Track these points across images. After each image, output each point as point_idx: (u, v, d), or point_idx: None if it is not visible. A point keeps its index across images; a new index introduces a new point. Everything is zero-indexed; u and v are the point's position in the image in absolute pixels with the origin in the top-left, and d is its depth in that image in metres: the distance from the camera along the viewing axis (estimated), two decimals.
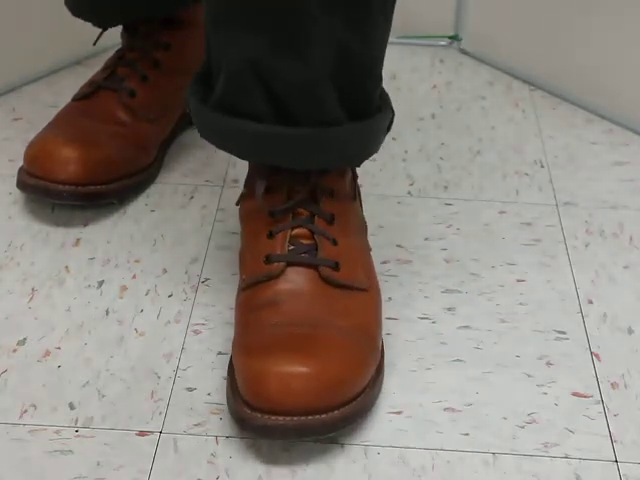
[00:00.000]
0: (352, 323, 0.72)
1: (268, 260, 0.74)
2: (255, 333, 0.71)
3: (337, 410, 0.68)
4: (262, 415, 0.67)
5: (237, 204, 0.81)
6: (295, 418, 0.66)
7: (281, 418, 0.66)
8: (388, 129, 0.79)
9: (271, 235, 0.75)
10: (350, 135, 0.74)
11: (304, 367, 0.67)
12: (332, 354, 0.69)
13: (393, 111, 0.79)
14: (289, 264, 0.74)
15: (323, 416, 0.67)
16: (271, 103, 0.72)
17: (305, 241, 0.75)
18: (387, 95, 0.79)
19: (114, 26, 1.00)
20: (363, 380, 0.70)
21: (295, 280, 0.73)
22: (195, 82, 0.78)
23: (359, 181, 0.99)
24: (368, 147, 0.77)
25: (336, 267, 0.74)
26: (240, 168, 1.00)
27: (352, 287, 0.75)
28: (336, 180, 0.78)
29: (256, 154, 0.75)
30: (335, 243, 0.75)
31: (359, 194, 0.83)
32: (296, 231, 0.75)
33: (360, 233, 0.80)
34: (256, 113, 0.72)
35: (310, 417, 0.67)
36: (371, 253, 0.81)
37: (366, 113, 0.75)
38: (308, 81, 0.71)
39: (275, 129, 0.72)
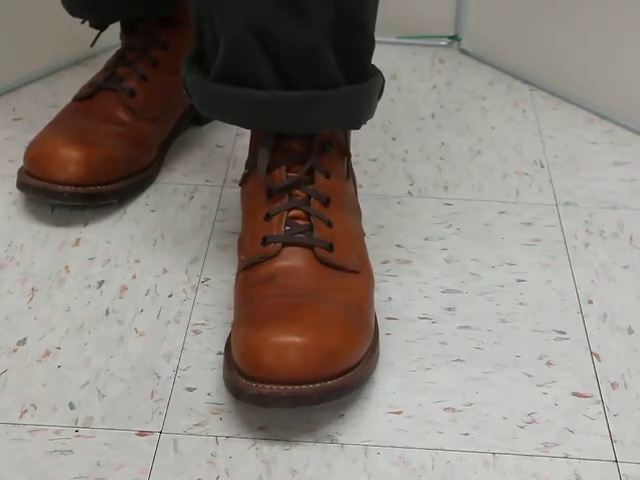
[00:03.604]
0: (346, 299, 0.74)
1: (265, 241, 0.76)
2: (252, 305, 0.73)
3: (330, 380, 0.69)
4: (257, 384, 0.68)
5: (240, 184, 0.83)
6: (289, 387, 0.68)
7: (275, 387, 0.68)
8: (380, 95, 0.81)
9: (268, 217, 0.77)
10: (348, 98, 0.77)
11: (298, 337, 0.68)
12: (326, 325, 0.70)
13: (383, 77, 0.81)
14: (285, 244, 0.76)
15: (317, 385, 0.68)
16: (272, 69, 0.73)
17: (301, 222, 0.77)
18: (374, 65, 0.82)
19: (112, 23, 1.00)
20: (356, 353, 0.72)
21: (291, 259, 0.75)
22: (188, 62, 0.79)
23: (359, 181, 0.99)
24: (365, 110, 0.79)
25: (330, 248, 0.76)
26: (240, 168, 1.00)
27: (345, 268, 0.76)
28: (333, 161, 0.79)
29: (259, 121, 0.77)
30: (330, 225, 0.77)
31: (353, 176, 0.85)
32: (292, 212, 0.77)
33: (354, 216, 0.81)
34: (257, 80, 0.74)
35: (304, 386, 0.68)
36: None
37: (361, 76, 0.77)
38: (309, 44, 0.73)
39: (277, 94, 0.74)
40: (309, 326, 0.69)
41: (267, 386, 0.68)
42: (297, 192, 0.77)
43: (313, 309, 0.71)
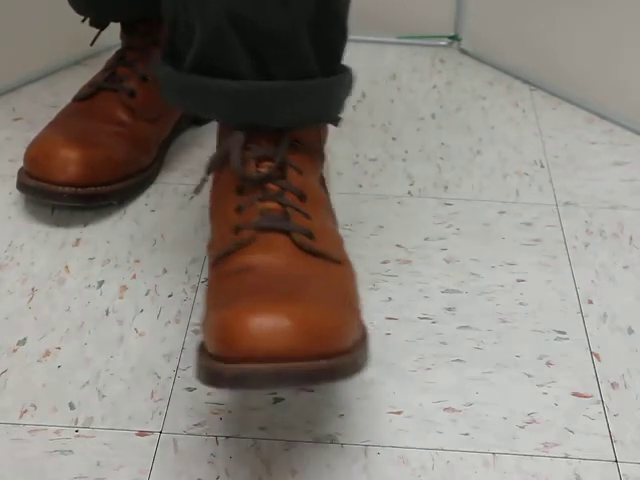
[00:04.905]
0: (331, 284, 0.68)
1: (237, 230, 0.70)
2: (227, 293, 0.65)
3: (320, 360, 0.61)
4: (235, 365, 0.60)
5: (195, 192, 0.78)
6: (272, 365, 0.60)
7: (256, 365, 0.59)
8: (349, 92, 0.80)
9: (240, 209, 0.72)
10: (323, 89, 0.76)
11: (281, 308, 0.61)
12: (312, 301, 0.63)
13: (352, 74, 0.80)
14: (260, 230, 0.69)
15: (303, 364, 0.60)
16: (249, 57, 0.72)
17: (276, 213, 0.71)
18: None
19: (113, 21, 1.00)
20: (346, 336, 0.64)
21: (268, 246, 0.68)
22: (162, 58, 0.78)
23: (359, 181, 0.99)
24: (339, 103, 0.79)
25: (310, 236, 0.70)
26: None
27: (327, 257, 0.70)
28: (304, 160, 0.76)
29: (233, 112, 0.74)
30: (308, 217, 0.72)
31: (326, 189, 0.82)
32: (266, 204, 0.71)
33: (332, 222, 0.77)
34: (233, 69, 0.73)
35: (289, 363, 0.60)
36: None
37: (335, 69, 0.77)
38: (287, 28, 0.72)
39: (251, 84, 0.73)
40: (293, 299, 0.62)
41: (246, 365, 0.59)
42: (270, 186, 0.73)
43: (297, 288, 0.64)
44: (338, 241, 0.75)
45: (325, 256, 0.70)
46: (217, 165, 0.76)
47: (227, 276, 0.67)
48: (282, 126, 0.75)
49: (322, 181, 0.81)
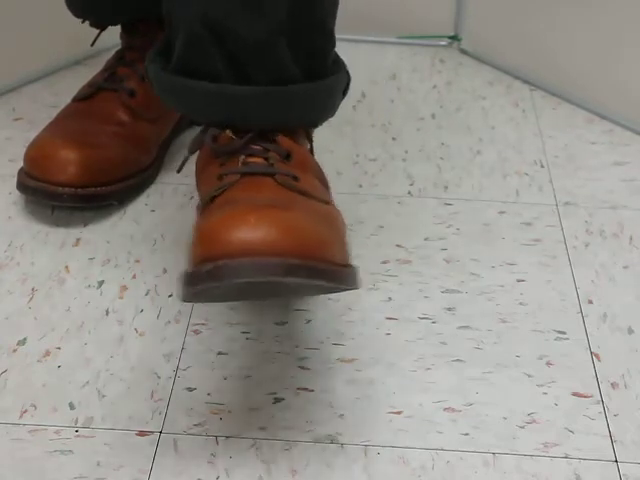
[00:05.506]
0: (317, 211, 0.68)
1: (221, 176, 0.71)
2: (211, 214, 0.65)
3: (297, 259, 0.61)
4: (211, 262, 0.61)
5: (178, 171, 0.80)
6: (249, 257, 0.60)
7: (233, 260, 0.60)
8: (344, 94, 0.79)
9: (222, 165, 0.72)
10: (305, 94, 0.75)
11: (265, 213, 0.62)
12: (297, 216, 0.64)
13: (349, 75, 0.79)
14: (243, 175, 0.70)
15: (281, 257, 0.61)
16: (227, 62, 0.72)
17: (259, 164, 0.71)
18: (342, 61, 0.80)
19: (113, 25, 1.00)
20: (329, 249, 0.65)
21: (251, 184, 0.68)
22: (154, 54, 0.78)
23: (359, 181, 0.99)
24: (323, 108, 0.77)
25: (295, 179, 0.70)
26: None
27: (313, 196, 0.70)
28: (290, 132, 0.76)
29: (211, 114, 0.74)
30: (296, 178, 0.71)
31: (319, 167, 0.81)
32: (249, 159, 0.71)
33: (322, 184, 0.76)
34: (213, 73, 0.73)
35: (266, 257, 0.60)
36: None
37: (320, 73, 0.76)
38: (262, 36, 0.71)
39: (227, 88, 0.73)
40: (278, 210, 0.63)
41: (223, 260, 0.60)
42: (253, 146, 0.72)
43: (282, 206, 0.65)
44: (326, 193, 0.74)
45: (310, 195, 0.70)
46: (197, 147, 0.77)
47: (213, 208, 0.67)
48: (261, 128, 0.74)
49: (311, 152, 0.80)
